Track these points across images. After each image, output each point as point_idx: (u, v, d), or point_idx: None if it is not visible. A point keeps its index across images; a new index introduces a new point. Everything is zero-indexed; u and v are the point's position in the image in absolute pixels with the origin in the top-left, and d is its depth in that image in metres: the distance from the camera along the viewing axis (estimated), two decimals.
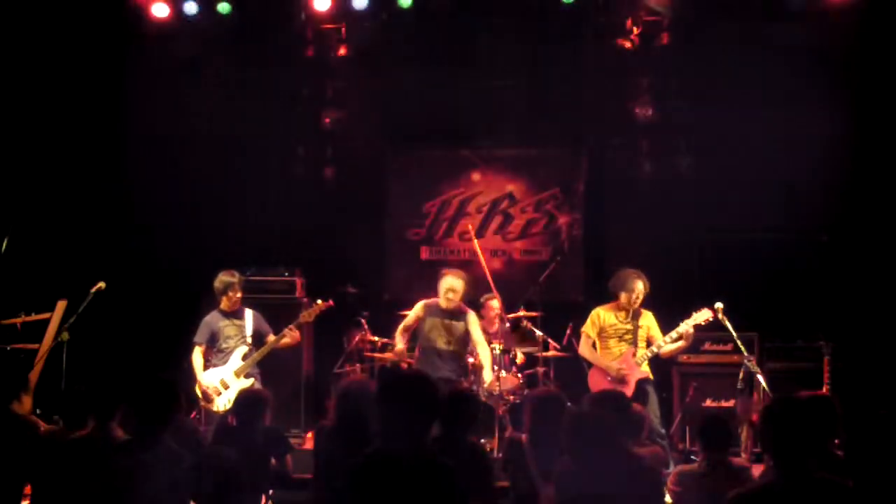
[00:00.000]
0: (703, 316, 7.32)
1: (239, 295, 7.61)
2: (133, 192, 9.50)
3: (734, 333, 7.24)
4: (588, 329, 7.60)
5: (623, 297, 7.50)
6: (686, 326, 7.34)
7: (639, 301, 7.48)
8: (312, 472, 5.32)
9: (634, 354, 7.45)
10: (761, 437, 3.63)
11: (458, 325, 7.77)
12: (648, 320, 7.56)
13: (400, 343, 7.96)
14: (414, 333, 8.03)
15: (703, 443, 5.05)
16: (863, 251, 8.91)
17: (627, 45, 9.30)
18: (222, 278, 7.57)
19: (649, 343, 7.50)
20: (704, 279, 9.05)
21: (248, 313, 7.63)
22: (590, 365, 7.63)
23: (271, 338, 7.56)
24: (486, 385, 7.71)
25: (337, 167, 10.11)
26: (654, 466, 4.72)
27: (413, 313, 7.89)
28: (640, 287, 7.45)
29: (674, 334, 7.39)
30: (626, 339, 7.51)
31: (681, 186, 9.44)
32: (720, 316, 7.23)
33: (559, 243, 10.11)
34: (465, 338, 7.80)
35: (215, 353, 7.52)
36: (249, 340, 7.53)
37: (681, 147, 9.60)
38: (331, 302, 7.82)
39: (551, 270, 9.01)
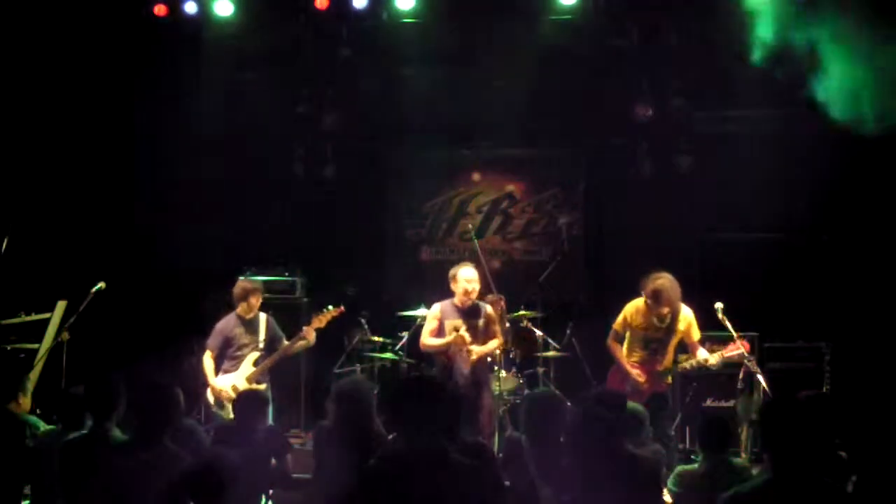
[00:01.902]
0: (734, 350, 6.97)
1: (259, 301, 7.53)
2: (133, 192, 9.51)
3: (734, 333, 7.22)
4: (617, 324, 7.19)
5: (663, 310, 7.02)
6: (714, 360, 7.00)
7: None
8: (312, 472, 5.32)
9: (658, 365, 7.13)
10: (760, 435, 3.63)
11: (478, 323, 7.45)
12: (686, 322, 7.12)
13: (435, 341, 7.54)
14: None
15: (703, 443, 5.05)
16: (863, 251, 8.90)
17: (627, 45, 9.30)
18: (243, 285, 7.52)
19: (683, 344, 7.17)
20: (704, 279, 9.04)
21: (262, 318, 7.57)
22: (610, 361, 7.47)
23: (285, 342, 7.50)
24: (473, 350, 7.32)
25: (337, 167, 10.11)
26: (654, 466, 4.71)
27: (432, 316, 7.52)
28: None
29: (694, 362, 7.09)
30: (650, 349, 7.14)
31: (681, 186, 9.44)
32: (720, 316, 7.21)
33: (559, 243, 10.10)
34: (487, 333, 7.49)
35: (227, 358, 7.44)
36: (262, 346, 7.49)
37: (681, 147, 9.60)
38: (342, 308, 7.68)
39: (551, 270, 9.02)
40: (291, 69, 9.69)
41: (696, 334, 7.15)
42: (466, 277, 7.38)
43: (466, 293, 7.35)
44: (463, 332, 7.27)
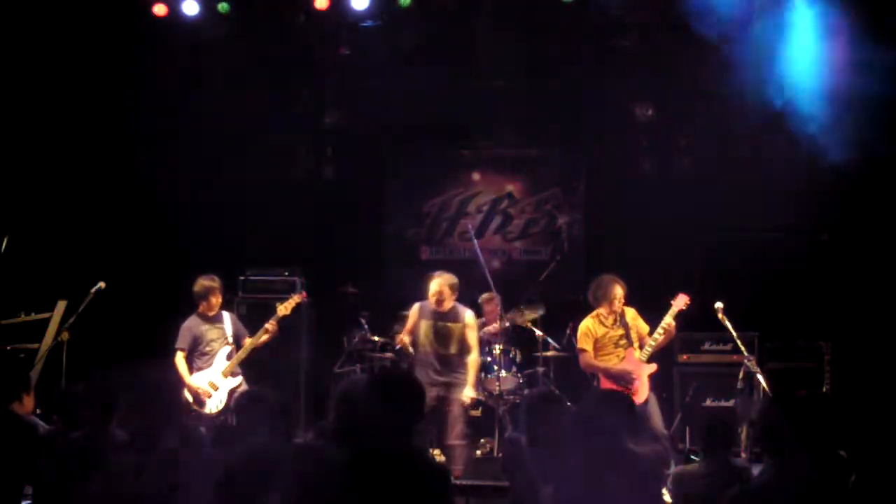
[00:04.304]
0: (681, 302, 7.29)
1: (220, 300, 7.57)
2: (133, 192, 9.51)
3: (734, 333, 7.24)
4: (584, 344, 7.41)
5: (604, 307, 7.39)
6: (669, 319, 7.28)
7: (620, 305, 7.41)
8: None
9: (634, 354, 7.38)
10: (760, 436, 3.63)
11: (454, 328, 7.56)
12: (632, 317, 7.46)
13: (405, 341, 7.71)
14: None
15: (703, 443, 5.05)
16: (863, 251, 8.90)
17: (627, 45, 9.29)
18: (203, 283, 7.51)
19: (640, 338, 7.44)
20: (704, 279, 9.04)
21: (226, 316, 7.63)
22: (595, 377, 7.58)
23: (248, 339, 7.54)
24: (463, 401, 7.48)
25: (337, 167, 10.11)
26: (655, 466, 4.71)
27: (410, 315, 7.73)
28: (619, 293, 7.35)
29: (659, 332, 7.32)
30: (621, 345, 7.39)
31: (681, 186, 9.44)
32: (720, 316, 7.23)
33: (559, 243, 10.11)
34: (462, 340, 7.59)
35: (198, 356, 7.48)
36: (231, 340, 7.53)
37: (681, 147, 9.60)
38: (304, 294, 7.95)
39: (551, 270, 9.02)
40: (291, 69, 9.69)
41: (643, 326, 7.45)
42: (432, 290, 7.57)
43: (436, 302, 7.55)
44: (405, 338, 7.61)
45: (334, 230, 9.90)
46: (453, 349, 7.58)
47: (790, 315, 8.69)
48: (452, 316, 7.59)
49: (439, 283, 7.54)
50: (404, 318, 7.98)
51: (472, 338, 7.62)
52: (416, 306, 7.73)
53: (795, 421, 3.48)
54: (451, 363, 7.56)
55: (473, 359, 7.59)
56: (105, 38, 9.17)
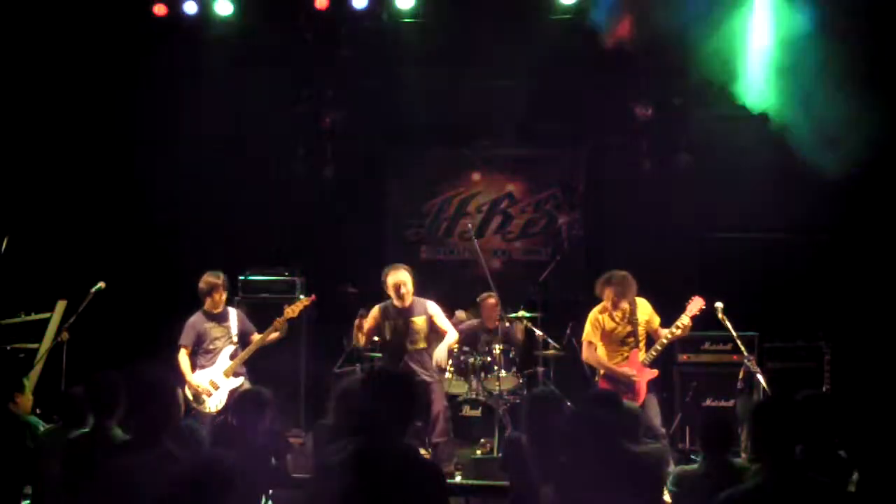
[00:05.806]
0: (696, 305, 7.21)
1: (224, 296, 7.55)
2: (133, 192, 9.51)
3: (734, 333, 7.22)
4: (591, 336, 7.32)
5: (624, 305, 7.26)
6: (685, 319, 7.20)
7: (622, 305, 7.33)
8: (312, 472, 5.31)
9: (639, 356, 7.30)
10: (752, 436, 3.65)
11: (419, 321, 7.49)
12: (645, 312, 7.33)
13: (361, 341, 7.65)
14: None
15: (704, 443, 5.05)
16: (863, 251, 8.90)
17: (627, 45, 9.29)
18: (207, 279, 7.48)
19: (649, 336, 7.36)
20: (704, 279, 9.04)
21: (232, 313, 7.61)
22: (594, 373, 7.56)
23: (256, 336, 7.51)
24: (435, 360, 7.37)
25: (337, 167, 10.11)
26: (654, 465, 4.72)
27: (369, 318, 7.58)
28: (615, 301, 7.27)
29: (674, 329, 7.25)
30: (628, 343, 7.32)
31: (681, 186, 9.44)
32: (720, 316, 7.22)
33: (559, 243, 10.11)
34: (432, 331, 7.51)
35: (201, 354, 7.45)
36: (235, 340, 7.50)
37: (681, 147, 9.60)
38: (313, 297, 7.84)
39: (551, 270, 9.02)
40: (291, 69, 9.69)
41: (656, 320, 7.35)
42: (394, 282, 7.45)
43: (400, 297, 7.44)
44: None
45: (334, 230, 9.90)
46: (422, 343, 7.50)
47: (790, 315, 8.69)
48: (415, 311, 7.52)
49: (401, 275, 7.44)
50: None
51: (443, 323, 7.53)
52: (375, 309, 7.59)
53: (794, 421, 3.48)
54: (423, 360, 7.45)
55: (452, 335, 7.50)
56: (105, 38, 9.18)
